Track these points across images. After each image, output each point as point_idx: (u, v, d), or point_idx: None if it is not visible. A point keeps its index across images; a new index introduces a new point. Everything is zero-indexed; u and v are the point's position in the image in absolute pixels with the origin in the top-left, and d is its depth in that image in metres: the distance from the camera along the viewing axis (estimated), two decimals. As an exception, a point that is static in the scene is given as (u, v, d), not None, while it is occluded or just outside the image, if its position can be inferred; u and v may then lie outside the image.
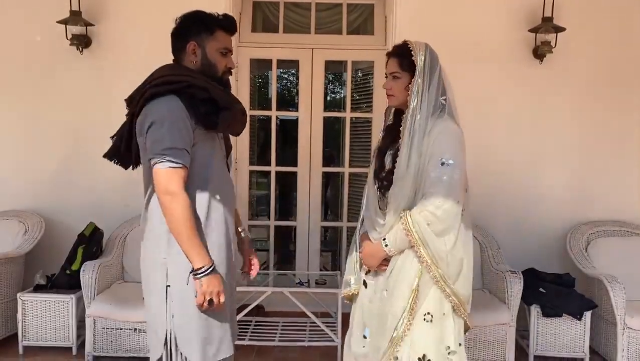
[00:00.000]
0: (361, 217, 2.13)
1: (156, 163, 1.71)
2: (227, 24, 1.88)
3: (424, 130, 1.89)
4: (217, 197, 1.84)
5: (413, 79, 1.91)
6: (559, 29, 3.59)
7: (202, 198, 1.80)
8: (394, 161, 1.94)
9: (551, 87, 3.77)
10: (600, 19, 3.74)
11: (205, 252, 1.75)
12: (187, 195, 1.72)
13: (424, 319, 1.89)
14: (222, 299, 1.76)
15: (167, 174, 1.70)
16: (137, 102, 1.79)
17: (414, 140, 1.88)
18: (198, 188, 1.80)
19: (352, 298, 2.12)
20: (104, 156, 1.92)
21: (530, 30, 3.67)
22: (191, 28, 1.85)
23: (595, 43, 3.75)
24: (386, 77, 2.05)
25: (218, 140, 1.91)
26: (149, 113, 1.74)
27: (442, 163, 1.85)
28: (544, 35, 3.62)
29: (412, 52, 1.93)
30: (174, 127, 1.71)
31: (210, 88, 1.78)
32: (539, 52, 3.68)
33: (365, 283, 2.07)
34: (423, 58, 1.91)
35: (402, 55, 1.97)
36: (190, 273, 1.75)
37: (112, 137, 1.92)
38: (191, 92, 1.75)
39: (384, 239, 1.93)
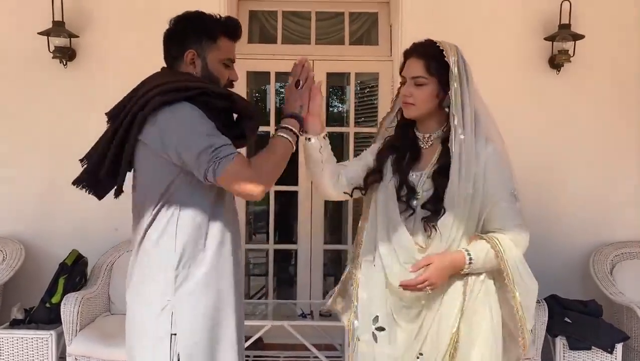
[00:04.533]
0: (359, 255, 1.77)
1: (214, 169, 1.43)
2: (232, 30, 1.63)
3: (472, 149, 1.59)
4: (229, 225, 1.62)
5: (450, 87, 1.58)
6: (577, 37, 3.37)
7: (216, 227, 1.57)
8: (437, 186, 1.62)
9: (569, 99, 3.53)
10: (620, 26, 3.51)
11: (283, 141, 1.60)
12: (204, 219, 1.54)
13: None
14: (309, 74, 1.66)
15: (233, 171, 1.44)
16: (132, 115, 1.50)
17: (462, 163, 1.58)
18: (213, 217, 1.56)
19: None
20: (74, 183, 1.62)
21: (546, 39, 3.44)
22: (190, 33, 1.58)
23: (616, 51, 3.51)
24: (401, 83, 1.69)
25: None
26: (169, 129, 1.47)
27: (512, 194, 1.65)
28: (561, 43, 3.39)
29: (444, 53, 1.59)
30: (203, 127, 1.47)
31: (231, 96, 1.58)
32: (556, 62, 3.45)
33: (375, 337, 1.68)
34: (457, 60, 1.59)
35: (430, 55, 1.61)
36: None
37: (81, 160, 1.62)
38: (206, 101, 1.50)
39: (467, 250, 1.59)
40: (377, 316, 1.69)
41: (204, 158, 1.43)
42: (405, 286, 1.58)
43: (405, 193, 1.67)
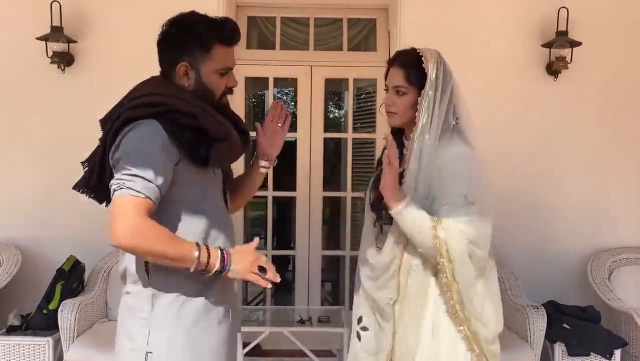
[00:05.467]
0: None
1: (115, 190, 1.37)
2: (228, 35, 1.51)
3: (433, 155, 1.60)
4: (212, 240, 1.52)
5: (423, 91, 1.61)
6: (574, 44, 3.38)
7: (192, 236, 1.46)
8: None
9: (567, 105, 3.54)
10: (617, 33, 3.53)
11: (186, 242, 1.41)
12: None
13: None
14: (264, 262, 1.47)
15: (124, 202, 1.35)
16: (110, 125, 1.46)
17: (421, 166, 1.60)
18: (186, 234, 1.46)
19: None
20: (74, 187, 1.58)
21: (544, 45, 3.45)
22: (183, 44, 1.49)
23: (614, 58, 3.52)
24: (386, 90, 1.72)
25: (212, 174, 1.57)
26: (121, 144, 1.42)
27: (463, 196, 1.58)
28: (558, 50, 3.41)
29: (423, 60, 1.61)
30: (148, 158, 1.39)
31: (199, 113, 1.44)
32: (554, 68, 3.46)
33: (358, 335, 1.76)
34: (435, 68, 1.61)
35: (410, 64, 1.64)
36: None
37: (82, 163, 1.58)
38: (173, 117, 1.43)
39: (409, 201, 1.58)
40: (360, 317, 1.77)
41: (116, 177, 1.40)
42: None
43: (374, 200, 1.74)
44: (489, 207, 1.66)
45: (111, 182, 1.41)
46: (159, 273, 1.48)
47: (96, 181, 1.53)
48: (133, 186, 1.36)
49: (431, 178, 1.60)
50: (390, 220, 1.64)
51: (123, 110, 1.45)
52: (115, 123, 1.45)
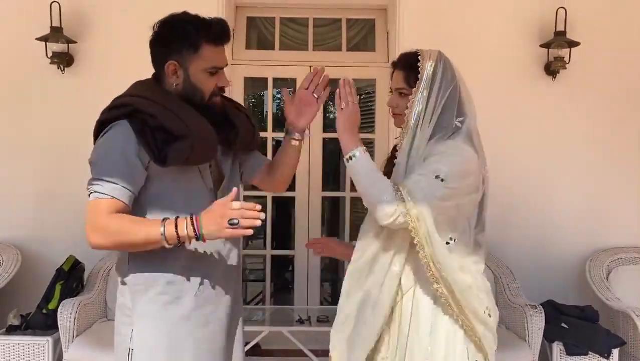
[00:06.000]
0: None
1: (88, 196, 1.45)
2: (216, 35, 1.51)
3: (425, 151, 1.57)
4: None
5: (414, 89, 1.60)
6: (572, 44, 3.39)
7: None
8: None
9: (565, 105, 3.55)
10: (616, 33, 3.54)
11: (152, 221, 1.43)
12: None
13: None
14: (235, 213, 1.36)
15: (92, 206, 1.42)
16: (95, 127, 1.53)
17: (409, 161, 1.58)
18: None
19: None
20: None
21: (542, 46, 3.46)
22: (171, 44, 1.50)
23: (612, 58, 3.53)
24: (391, 92, 1.73)
25: (199, 171, 1.57)
26: (94, 148, 1.49)
27: (437, 177, 1.50)
28: (556, 50, 3.42)
29: (420, 60, 1.61)
30: (113, 161, 1.44)
31: (158, 112, 1.44)
32: (552, 69, 3.47)
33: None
34: (433, 66, 1.60)
35: (410, 67, 1.64)
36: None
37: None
38: (141, 118, 1.45)
39: (364, 151, 1.56)
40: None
41: (88, 183, 1.46)
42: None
43: None
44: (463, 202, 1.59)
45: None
46: (139, 269, 1.51)
47: None
48: (99, 190, 1.42)
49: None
50: None
51: (103, 112, 1.51)
52: (96, 125, 1.52)
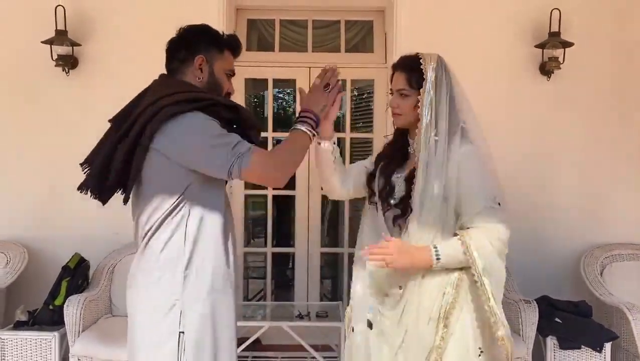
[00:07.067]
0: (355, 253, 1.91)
1: (239, 164, 1.53)
2: (235, 46, 1.75)
3: (444, 154, 1.67)
4: (232, 229, 1.74)
5: (422, 90, 1.70)
6: (566, 44, 3.45)
7: (222, 230, 1.66)
8: (408, 187, 1.72)
9: (560, 104, 3.61)
10: (609, 33, 3.60)
11: (296, 135, 1.68)
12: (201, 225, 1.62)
13: None
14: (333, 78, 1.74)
15: (257, 161, 1.55)
16: (141, 124, 1.56)
17: (430, 165, 1.67)
18: (220, 221, 1.66)
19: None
20: (79, 189, 1.67)
21: (537, 46, 3.52)
22: (201, 41, 1.70)
23: (605, 58, 3.60)
24: (391, 93, 1.82)
25: None
26: (184, 133, 1.55)
27: (492, 199, 1.68)
28: (551, 50, 3.48)
29: (422, 63, 1.71)
30: (217, 130, 1.57)
31: (238, 106, 1.69)
32: (547, 69, 3.53)
33: (370, 324, 1.80)
34: (435, 69, 1.70)
35: (412, 69, 1.74)
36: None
37: (82, 165, 1.69)
38: (216, 111, 1.59)
39: (435, 247, 1.65)
40: (370, 306, 1.81)
41: (224, 157, 1.53)
42: (366, 253, 1.69)
43: (386, 194, 1.80)
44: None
45: (224, 166, 1.54)
46: (197, 251, 1.63)
47: (115, 181, 1.64)
48: (245, 145, 1.56)
49: (447, 178, 1.67)
50: (402, 215, 1.73)
51: (161, 107, 1.55)
52: (157, 117, 1.55)
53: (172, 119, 1.55)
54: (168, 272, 1.61)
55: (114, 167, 1.61)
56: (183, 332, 1.59)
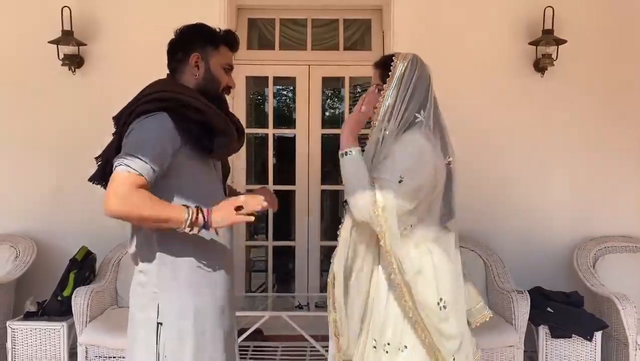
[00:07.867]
0: None
1: (115, 167, 1.56)
2: (231, 41, 1.82)
3: (389, 146, 1.76)
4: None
5: (384, 85, 1.78)
6: (559, 42, 3.53)
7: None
8: None
9: (554, 101, 3.69)
10: (601, 31, 3.67)
11: (173, 205, 1.60)
12: None
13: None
14: (241, 202, 1.60)
15: (119, 176, 1.53)
16: (125, 119, 1.67)
17: (376, 154, 1.78)
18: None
19: None
20: (90, 179, 1.79)
21: (531, 43, 3.60)
22: (195, 39, 1.77)
23: (598, 55, 3.67)
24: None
25: (212, 166, 1.79)
26: (134, 130, 1.62)
27: (400, 181, 1.69)
28: (544, 47, 3.56)
29: (393, 61, 1.80)
30: (148, 144, 1.59)
31: (206, 111, 1.67)
32: (540, 65, 3.61)
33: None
34: (403, 68, 1.78)
35: (385, 66, 1.83)
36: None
37: (96, 158, 1.79)
38: (184, 112, 1.64)
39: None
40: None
41: (117, 156, 1.58)
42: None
43: None
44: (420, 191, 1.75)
45: (113, 160, 1.59)
46: (168, 250, 1.67)
47: (110, 172, 1.70)
48: (129, 164, 1.55)
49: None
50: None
51: (137, 105, 1.66)
52: (130, 116, 1.65)
53: (139, 117, 1.63)
54: (145, 263, 1.70)
55: (111, 160, 1.71)
56: (161, 323, 1.66)
